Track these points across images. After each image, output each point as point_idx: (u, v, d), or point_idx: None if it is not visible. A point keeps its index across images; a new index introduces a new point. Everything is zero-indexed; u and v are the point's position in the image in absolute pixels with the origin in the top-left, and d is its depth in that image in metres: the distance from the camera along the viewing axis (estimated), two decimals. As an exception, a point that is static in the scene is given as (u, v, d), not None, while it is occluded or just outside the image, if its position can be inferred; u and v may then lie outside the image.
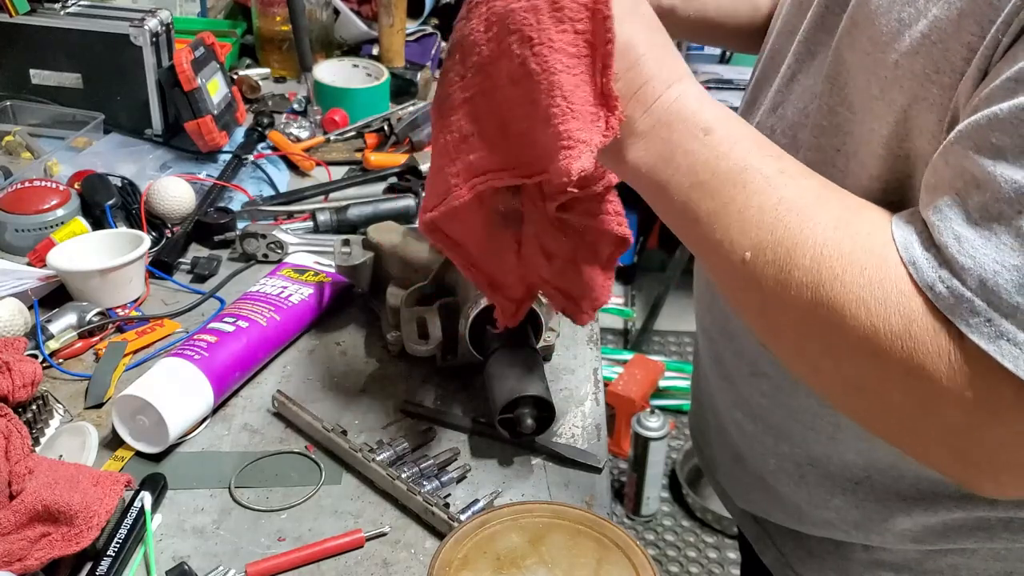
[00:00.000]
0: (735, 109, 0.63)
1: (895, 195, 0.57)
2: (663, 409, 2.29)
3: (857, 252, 0.51)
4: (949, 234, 0.48)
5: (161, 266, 1.08)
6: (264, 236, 1.12)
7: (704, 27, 0.91)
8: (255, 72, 1.59)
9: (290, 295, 0.98)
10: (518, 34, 0.56)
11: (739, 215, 0.54)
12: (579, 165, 0.56)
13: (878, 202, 0.56)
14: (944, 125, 0.52)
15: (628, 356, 2.44)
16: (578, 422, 0.90)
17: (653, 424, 2.11)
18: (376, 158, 1.36)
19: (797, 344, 0.55)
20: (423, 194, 1.22)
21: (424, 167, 1.30)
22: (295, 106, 1.50)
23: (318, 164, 1.34)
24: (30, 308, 0.96)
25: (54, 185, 1.13)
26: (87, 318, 0.96)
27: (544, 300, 0.87)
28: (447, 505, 0.77)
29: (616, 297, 2.84)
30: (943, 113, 0.52)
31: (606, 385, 2.18)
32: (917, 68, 0.52)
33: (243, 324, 0.91)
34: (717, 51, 2.68)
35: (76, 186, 1.15)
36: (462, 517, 0.76)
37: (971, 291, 0.46)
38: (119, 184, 1.17)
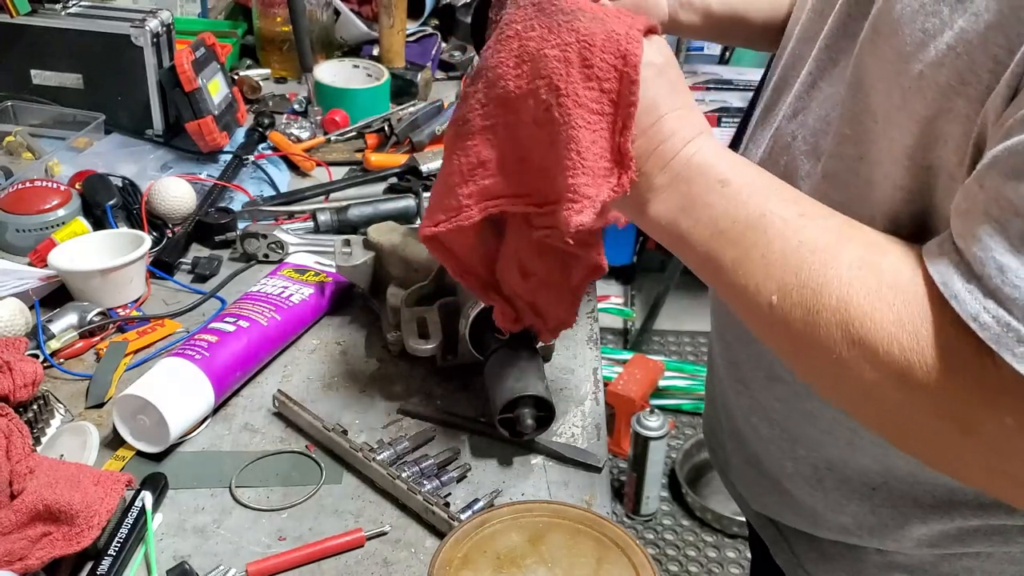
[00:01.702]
0: (748, 112, 0.63)
1: (918, 205, 0.57)
2: (663, 409, 2.28)
3: (884, 289, 0.51)
4: (991, 264, 0.47)
5: (162, 266, 1.08)
6: (265, 236, 1.12)
7: (727, 22, 0.90)
8: (256, 72, 1.60)
9: (291, 295, 0.99)
10: (547, 80, 0.58)
11: (762, 260, 0.54)
12: (579, 220, 0.58)
13: (901, 211, 0.56)
14: (971, 138, 0.51)
15: (628, 356, 2.43)
16: (578, 422, 0.90)
17: (653, 424, 2.11)
18: (376, 158, 1.36)
19: (832, 380, 0.55)
20: (424, 195, 1.24)
21: (424, 167, 1.30)
22: (295, 106, 1.50)
23: (318, 164, 1.34)
24: (31, 308, 0.96)
25: (55, 185, 1.13)
26: (88, 318, 0.96)
27: None
28: (447, 504, 0.77)
29: (616, 297, 2.84)
30: (969, 125, 0.51)
31: (606, 385, 2.18)
32: (941, 80, 0.52)
33: (244, 324, 0.92)
34: (717, 51, 2.68)
35: (77, 186, 1.16)
36: (462, 516, 0.76)
37: (1018, 320, 0.46)
38: (120, 184, 1.17)
